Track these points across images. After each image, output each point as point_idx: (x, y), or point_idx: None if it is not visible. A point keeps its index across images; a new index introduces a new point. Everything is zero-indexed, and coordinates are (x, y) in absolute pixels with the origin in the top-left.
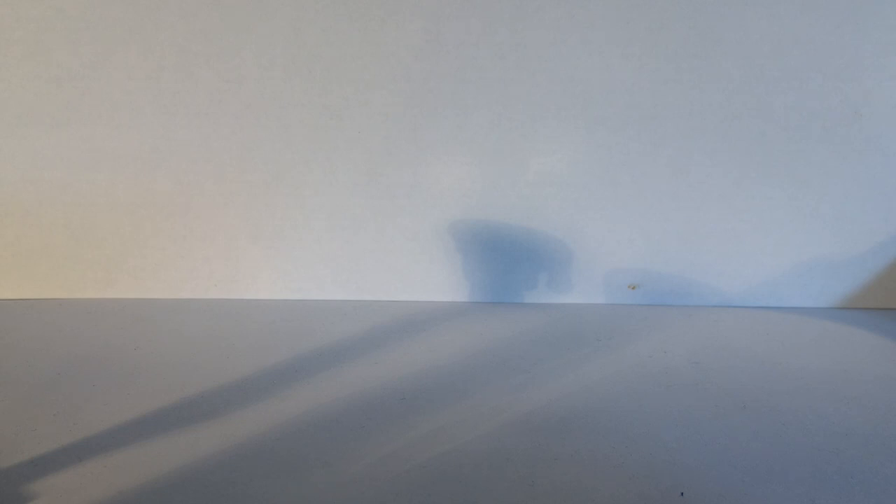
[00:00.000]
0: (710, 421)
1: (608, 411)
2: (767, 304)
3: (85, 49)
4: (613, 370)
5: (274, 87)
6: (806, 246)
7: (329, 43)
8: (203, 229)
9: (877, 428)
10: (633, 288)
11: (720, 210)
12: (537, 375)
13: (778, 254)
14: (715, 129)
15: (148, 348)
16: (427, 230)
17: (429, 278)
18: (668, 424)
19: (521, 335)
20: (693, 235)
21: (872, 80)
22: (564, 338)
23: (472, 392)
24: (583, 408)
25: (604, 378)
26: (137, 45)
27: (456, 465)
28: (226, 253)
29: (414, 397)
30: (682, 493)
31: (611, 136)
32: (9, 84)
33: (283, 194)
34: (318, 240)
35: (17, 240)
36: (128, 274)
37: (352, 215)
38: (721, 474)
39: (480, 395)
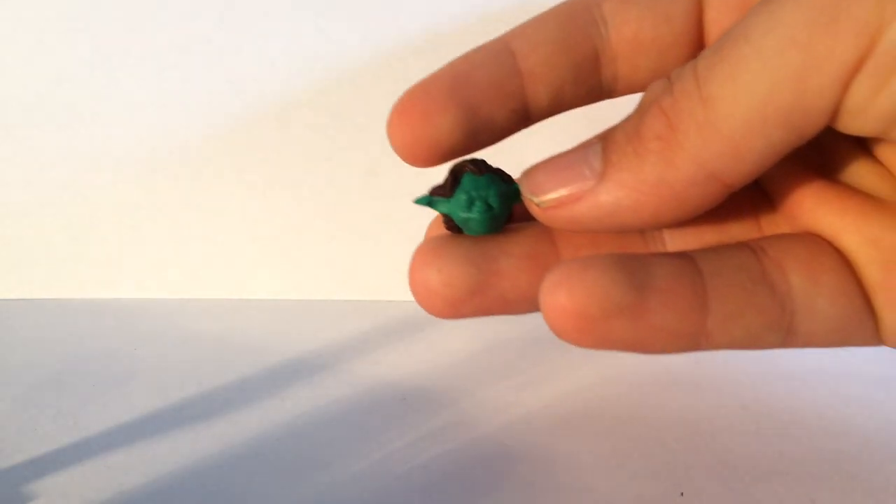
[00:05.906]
0: (710, 421)
1: (608, 411)
2: None
3: (85, 49)
4: (613, 370)
5: (274, 87)
6: None
7: (329, 43)
8: (203, 229)
9: (877, 428)
10: None
11: None
12: (537, 375)
13: None
14: None
15: (148, 348)
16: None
17: None
18: (668, 424)
19: (521, 335)
20: None
21: None
22: None
23: (472, 392)
24: (583, 408)
25: (604, 378)
26: (137, 45)
27: (456, 465)
28: (226, 253)
29: (414, 397)
30: (682, 493)
31: None
32: (9, 84)
33: (283, 194)
34: (318, 240)
35: (17, 240)
36: (128, 274)
37: (352, 215)
38: (721, 474)
39: (480, 395)
